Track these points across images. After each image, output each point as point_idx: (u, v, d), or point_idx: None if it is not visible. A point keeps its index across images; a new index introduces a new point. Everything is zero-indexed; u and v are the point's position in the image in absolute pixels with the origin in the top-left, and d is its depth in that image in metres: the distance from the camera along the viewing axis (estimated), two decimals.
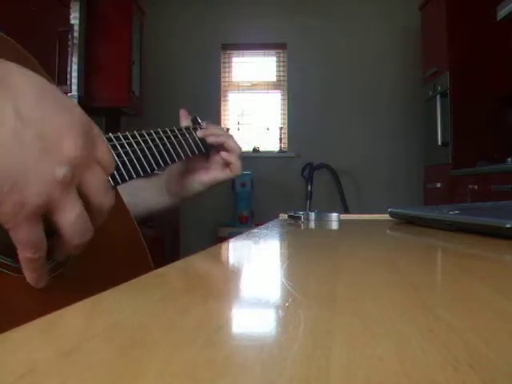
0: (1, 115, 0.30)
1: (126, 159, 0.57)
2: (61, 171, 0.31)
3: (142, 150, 0.61)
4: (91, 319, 0.22)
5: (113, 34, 3.29)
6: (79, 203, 0.33)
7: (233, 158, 0.78)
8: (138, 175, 0.58)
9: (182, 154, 0.71)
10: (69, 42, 2.59)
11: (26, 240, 0.31)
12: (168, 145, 0.69)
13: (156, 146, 0.65)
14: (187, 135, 0.75)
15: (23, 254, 0.32)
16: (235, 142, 0.80)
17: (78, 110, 0.34)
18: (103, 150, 0.35)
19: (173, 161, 0.69)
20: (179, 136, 0.73)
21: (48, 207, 0.32)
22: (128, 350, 0.16)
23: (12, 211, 0.30)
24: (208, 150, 0.79)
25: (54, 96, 0.33)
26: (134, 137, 0.61)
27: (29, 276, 0.34)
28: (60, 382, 0.14)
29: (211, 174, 0.79)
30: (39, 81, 0.33)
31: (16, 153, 0.30)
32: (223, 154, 0.78)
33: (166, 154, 0.67)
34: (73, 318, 0.22)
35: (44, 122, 0.32)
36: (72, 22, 2.87)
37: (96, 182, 0.34)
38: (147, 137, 0.64)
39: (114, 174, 0.54)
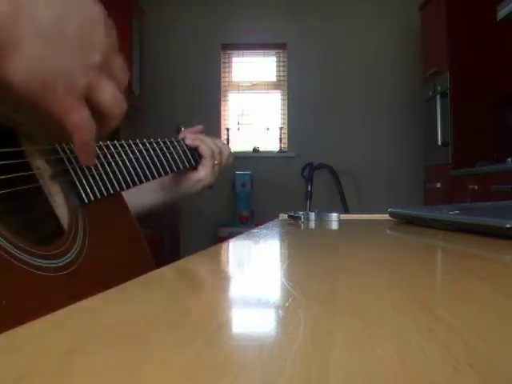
0: (40, 7, 0.34)
1: (123, 168, 0.58)
2: (96, 57, 0.36)
3: (137, 159, 0.62)
4: (91, 319, 0.22)
5: None
6: (111, 83, 0.38)
7: (212, 147, 0.79)
8: (135, 185, 0.60)
9: (180, 165, 0.73)
10: None
11: (80, 121, 0.36)
12: (163, 156, 0.70)
13: (150, 156, 0.67)
14: (184, 146, 0.76)
15: (79, 137, 0.37)
16: (208, 139, 0.80)
17: (97, 4, 0.38)
18: (115, 39, 0.40)
19: (172, 170, 0.71)
20: (177, 147, 0.74)
21: (90, 88, 0.36)
22: (128, 350, 0.16)
23: (63, 96, 0.35)
24: (198, 162, 0.79)
25: None
26: (129, 146, 0.63)
27: (83, 157, 0.39)
28: (60, 382, 0.14)
29: (199, 173, 0.79)
30: None
31: (58, 42, 0.35)
32: (202, 150, 0.79)
33: (165, 163, 0.68)
34: (73, 318, 0.22)
35: (79, 14, 0.36)
36: None
37: (119, 64, 0.39)
38: (141, 147, 0.65)
39: (119, 179, 0.55)
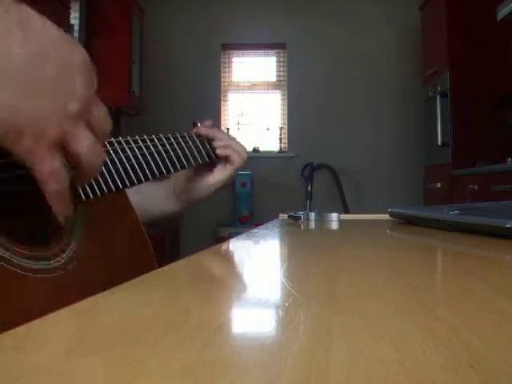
0: (15, 48, 0.32)
1: (134, 162, 0.58)
2: (74, 106, 0.34)
3: (151, 154, 0.61)
4: (91, 319, 0.22)
5: (113, 33, 3.29)
6: (88, 134, 0.36)
7: (228, 151, 0.77)
8: (147, 179, 0.59)
9: (192, 161, 0.71)
10: None
11: (50, 170, 0.33)
12: (178, 150, 0.68)
13: (166, 151, 0.65)
14: (198, 142, 0.75)
15: (49, 187, 0.34)
16: (224, 134, 0.79)
17: (81, 48, 0.36)
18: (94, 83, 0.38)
19: (183, 167, 0.69)
20: (189, 142, 0.73)
21: (65, 138, 0.34)
22: (128, 350, 0.16)
23: (33, 144, 0.32)
24: (215, 158, 0.78)
25: (63, 35, 0.36)
26: (143, 141, 0.62)
27: (56, 209, 0.36)
28: (60, 382, 0.14)
29: (214, 177, 0.78)
30: (51, 24, 0.35)
31: (32, 86, 0.32)
32: (218, 149, 0.77)
33: (175, 160, 0.67)
34: (73, 317, 0.22)
35: (58, 58, 0.34)
36: (72, 21, 2.87)
37: (100, 113, 0.37)
38: (157, 141, 0.64)
39: (122, 176, 0.54)
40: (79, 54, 0.35)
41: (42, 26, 0.34)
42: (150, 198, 0.78)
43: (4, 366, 0.15)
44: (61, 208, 0.36)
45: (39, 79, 0.32)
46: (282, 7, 4.02)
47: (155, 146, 0.63)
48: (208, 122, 0.81)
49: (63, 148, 0.34)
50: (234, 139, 0.80)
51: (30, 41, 0.32)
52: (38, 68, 0.32)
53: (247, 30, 4.05)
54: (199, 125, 0.80)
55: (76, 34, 2.98)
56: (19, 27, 0.32)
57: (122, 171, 0.55)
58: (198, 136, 0.76)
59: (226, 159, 0.78)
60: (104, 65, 3.26)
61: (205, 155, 0.75)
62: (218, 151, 0.77)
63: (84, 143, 0.35)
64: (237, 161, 0.78)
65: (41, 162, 0.33)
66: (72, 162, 0.36)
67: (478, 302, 0.23)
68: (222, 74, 4.15)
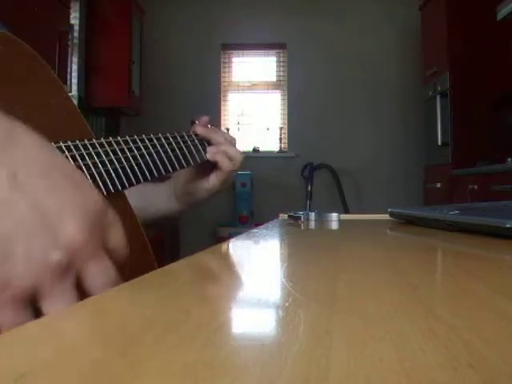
0: None
1: (133, 163, 0.57)
2: (56, 255, 0.26)
3: (149, 155, 0.61)
4: (91, 319, 0.22)
5: (113, 33, 3.29)
6: (72, 295, 0.28)
7: (218, 156, 0.75)
8: (146, 180, 0.58)
9: (190, 161, 0.70)
10: (69, 42, 2.59)
11: (10, 325, 0.26)
12: (177, 150, 0.68)
13: (165, 151, 0.65)
14: (196, 141, 0.74)
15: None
16: (220, 135, 0.78)
17: (92, 190, 0.30)
18: (117, 238, 0.31)
19: (181, 166, 0.68)
20: (188, 141, 0.72)
21: (36, 292, 0.27)
22: (128, 350, 0.16)
23: None
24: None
25: (63, 168, 0.29)
26: (142, 141, 0.61)
27: None
28: (60, 382, 0.14)
29: (210, 181, 0.76)
30: (47, 148, 0.29)
31: (4, 223, 0.26)
32: (208, 154, 0.75)
33: (174, 160, 0.67)
34: (73, 317, 0.22)
35: (45, 193, 0.27)
36: (72, 21, 2.87)
37: (101, 276, 0.29)
38: (155, 141, 0.64)
39: (121, 177, 0.54)
40: (84, 197, 0.29)
41: (30, 147, 0.28)
42: (149, 198, 0.78)
43: (4, 366, 0.15)
44: None
45: (16, 213, 0.26)
46: (282, 7, 4.02)
47: (154, 146, 0.63)
48: (205, 119, 0.80)
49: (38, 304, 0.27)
50: (229, 142, 0.78)
51: (13, 169, 0.27)
52: (18, 200, 0.26)
53: (247, 30, 4.05)
54: (197, 123, 0.80)
55: (76, 34, 2.98)
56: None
57: (120, 172, 0.55)
58: (196, 135, 0.76)
59: (215, 164, 0.76)
60: (104, 65, 3.26)
61: (203, 154, 0.74)
62: (208, 156, 0.75)
63: (57, 307, 0.27)
64: (226, 166, 0.75)
65: (0, 313, 0.26)
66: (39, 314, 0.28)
67: (478, 301, 0.23)
68: (222, 74, 4.15)
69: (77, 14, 3.04)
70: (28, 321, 0.26)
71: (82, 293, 0.28)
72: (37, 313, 0.27)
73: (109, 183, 0.52)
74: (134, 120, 3.82)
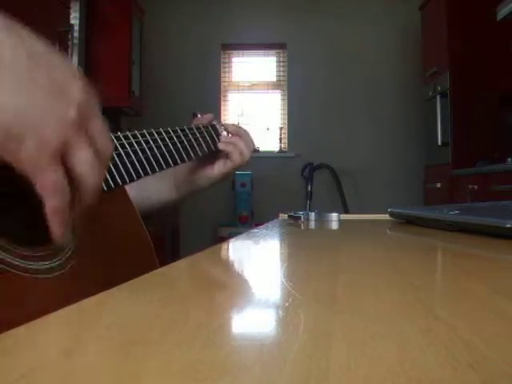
0: (13, 53, 0.30)
1: (134, 159, 0.57)
2: (73, 112, 0.32)
3: (150, 149, 0.61)
4: (92, 319, 0.22)
5: (113, 33, 3.29)
6: (90, 143, 0.33)
7: (230, 148, 0.77)
8: (147, 174, 0.58)
9: (192, 155, 0.71)
10: (69, 42, 2.59)
11: (53, 183, 0.31)
12: (178, 144, 0.68)
13: (165, 145, 0.65)
14: (198, 134, 0.75)
15: (51, 203, 0.32)
16: (237, 127, 0.80)
17: (70, 61, 0.36)
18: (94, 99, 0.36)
19: (182, 161, 0.69)
20: (189, 135, 0.73)
21: (65, 147, 0.32)
22: (128, 350, 0.16)
23: (36, 154, 0.30)
24: (217, 148, 0.78)
25: (49, 46, 0.34)
26: (143, 135, 0.62)
27: (55, 228, 0.33)
28: (60, 382, 0.14)
29: (215, 169, 0.78)
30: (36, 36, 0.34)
31: (31, 93, 0.31)
32: (221, 143, 0.78)
33: (175, 154, 0.67)
34: (73, 317, 0.22)
35: (54, 65, 0.32)
36: (72, 21, 2.87)
37: (101, 128, 0.35)
38: (156, 136, 0.64)
39: (121, 173, 0.54)
40: (71, 65, 0.34)
41: (28, 36, 0.33)
42: (148, 189, 0.78)
43: (4, 366, 0.15)
44: (60, 228, 0.33)
45: (35, 81, 0.31)
46: (282, 7, 4.02)
47: (155, 141, 0.63)
48: (208, 116, 0.81)
49: (63, 163, 0.32)
50: (243, 137, 0.80)
51: (23, 46, 0.32)
52: (32, 70, 0.31)
53: (247, 30, 4.05)
54: (199, 116, 0.81)
55: (76, 34, 2.98)
56: (10, 36, 0.31)
57: (120, 167, 0.54)
58: (198, 128, 0.76)
59: (226, 155, 0.78)
60: (104, 65, 3.26)
61: (205, 148, 0.75)
62: (221, 146, 0.78)
63: (85, 154, 0.33)
64: (236, 159, 0.78)
65: (43, 172, 0.30)
66: (68, 181, 0.33)
67: (478, 302, 0.23)
68: (222, 74, 4.15)
69: (77, 14, 3.04)
70: (64, 180, 0.32)
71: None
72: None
73: (116, 176, 0.52)
74: (134, 120, 3.82)
